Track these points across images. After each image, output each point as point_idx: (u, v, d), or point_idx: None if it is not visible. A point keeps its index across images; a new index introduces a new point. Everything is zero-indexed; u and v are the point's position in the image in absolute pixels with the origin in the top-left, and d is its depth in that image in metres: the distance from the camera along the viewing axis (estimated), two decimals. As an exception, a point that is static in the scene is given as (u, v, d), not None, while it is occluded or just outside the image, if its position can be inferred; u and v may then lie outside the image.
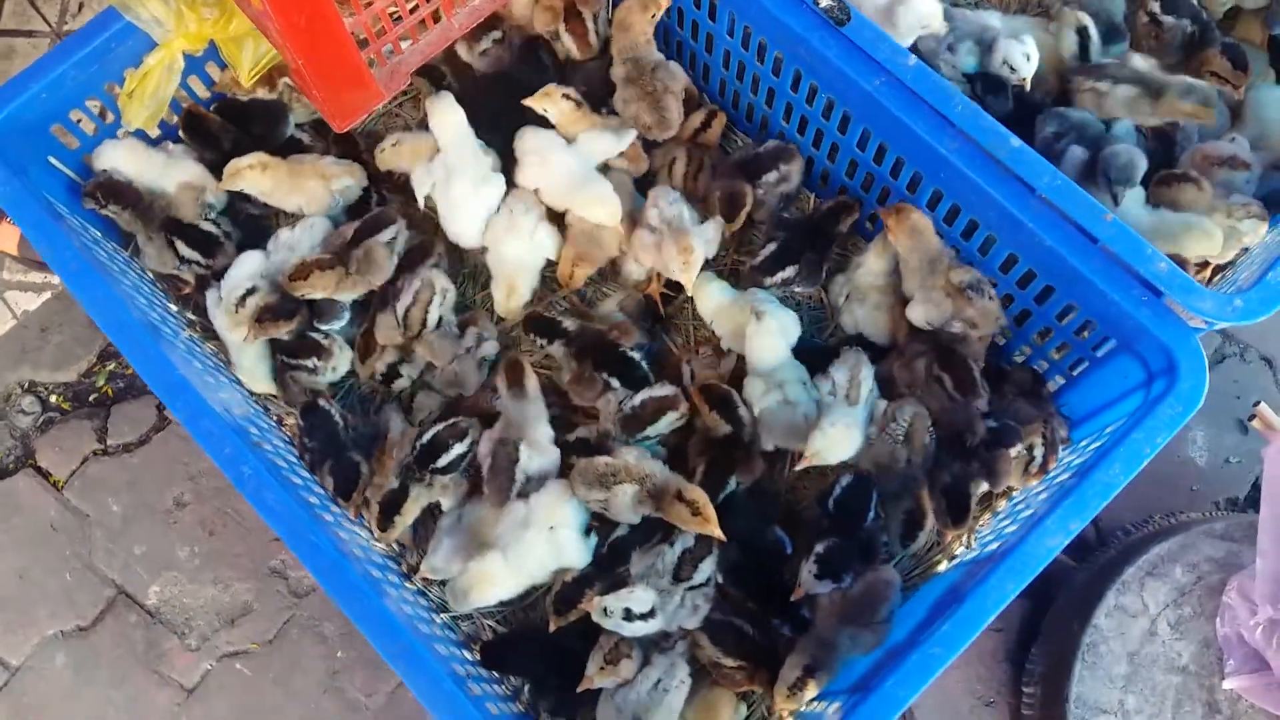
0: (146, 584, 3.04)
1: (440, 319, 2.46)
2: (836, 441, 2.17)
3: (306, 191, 2.48)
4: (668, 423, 2.30)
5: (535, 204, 2.52)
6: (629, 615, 2.03)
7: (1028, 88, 2.47)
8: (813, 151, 2.53)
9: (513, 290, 2.52)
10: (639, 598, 2.05)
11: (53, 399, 3.21)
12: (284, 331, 2.42)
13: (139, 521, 3.09)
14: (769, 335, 2.27)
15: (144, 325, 2.09)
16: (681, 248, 2.32)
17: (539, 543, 2.16)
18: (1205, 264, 2.48)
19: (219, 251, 2.51)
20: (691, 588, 2.10)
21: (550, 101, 2.46)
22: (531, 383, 2.36)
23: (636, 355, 2.36)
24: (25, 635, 3.00)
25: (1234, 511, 2.95)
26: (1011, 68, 2.46)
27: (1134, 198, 2.37)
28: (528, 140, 2.50)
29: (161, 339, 2.12)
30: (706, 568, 2.12)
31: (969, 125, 2.08)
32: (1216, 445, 3.09)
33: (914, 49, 2.49)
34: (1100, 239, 2.00)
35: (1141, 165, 2.31)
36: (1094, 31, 2.54)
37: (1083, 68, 2.51)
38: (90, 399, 3.19)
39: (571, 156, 2.47)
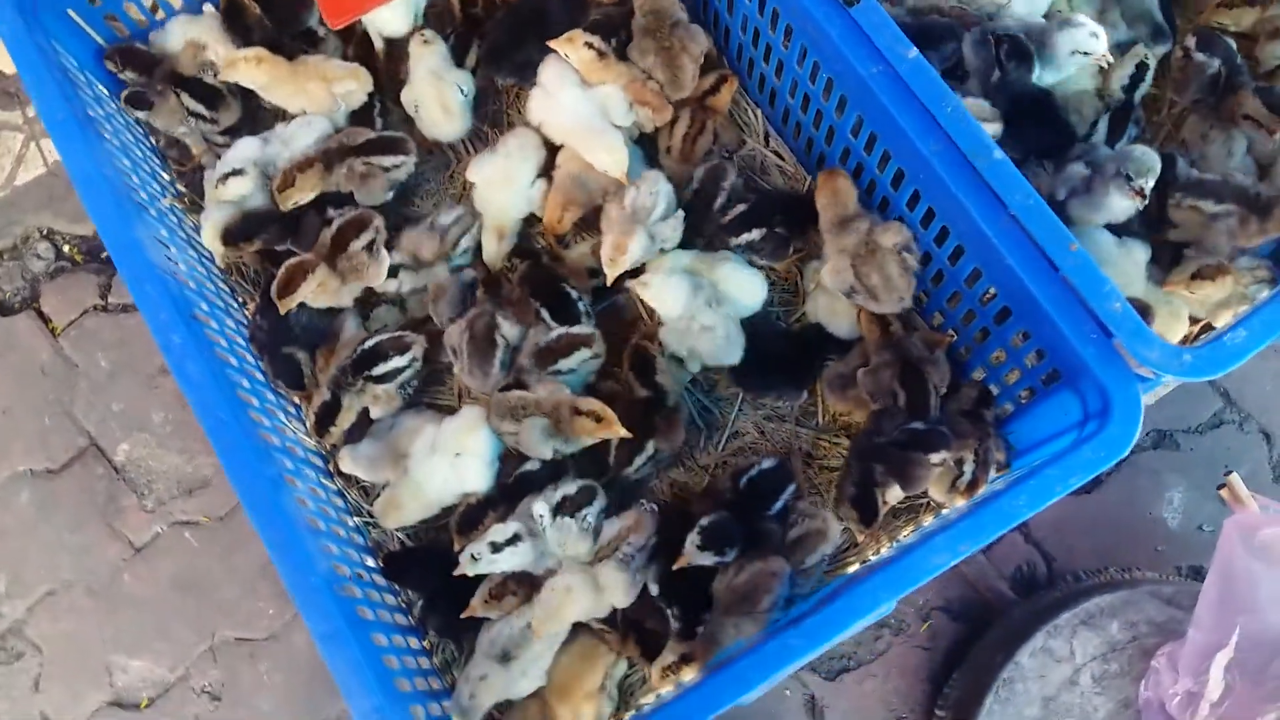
0: (118, 441, 3.16)
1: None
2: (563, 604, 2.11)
3: (308, 93, 2.49)
4: (579, 359, 2.29)
5: (535, 151, 2.51)
6: (495, 547, 2.05)
7: (1106, 64, 2.39)
8: (812, 132, 2.48)
9: (502, 236, 2.53)
10: (499, 529, 2.08)
11: (66, 249, 3.33)
12: (249, 252, 2.45)
13: (122, 380, 3.21)
14: (656, 295, 2.26)
15: (111, 181, 2.13)
16: (616, 245, 2.31)
17: (443, 467, 2.19)
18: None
19: (222, 105, 2.54)
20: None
21: (572, 47, 2.44)
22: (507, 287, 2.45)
23: (575, 294, 2.36)
24: (-3, 467, 3.14)
25: (1193, 580, 2.85)
26: (1085, 52, 2.36)
27: (1138, 262, 2.32)
28: (542, 72, 2.50)
29: (129, 199, 2.16)
30: (588, 515, 2.14)
31: (954, 129, 2.01)
32: (1192, 509, 2.98)
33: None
34: (1061, 268, 1.92)
35: (1158, 162, 2.24)
36: (1152, 62, 2.45)
37: (1183, 184, 2.35)
38: (101, 255, 3.31)
39: (582, 99, 2.46)
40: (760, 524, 2.15)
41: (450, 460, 2.19)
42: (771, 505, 2.17)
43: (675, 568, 2.07)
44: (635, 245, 2.31)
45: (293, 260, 2.34)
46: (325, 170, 2.41)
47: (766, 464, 2.22)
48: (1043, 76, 2.42)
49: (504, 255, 2.55)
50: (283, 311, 2.32)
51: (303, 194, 2.41)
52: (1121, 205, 2.26)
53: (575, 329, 2.29)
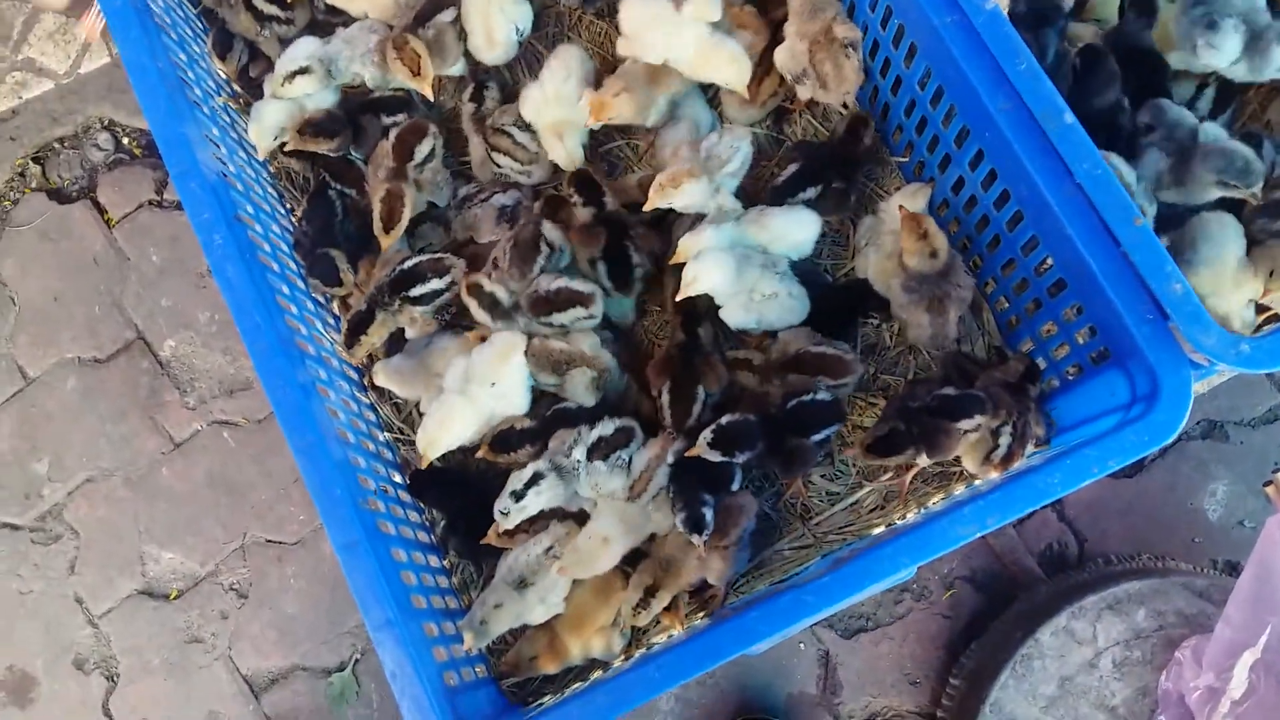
0: (164, 336, 3.21)
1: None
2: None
3: (373, -3, 2.46)
4: (572, 317, 2.24)
5: (579, 65, 2.43)
6: (518, 496, 2.05)
7: None
8: (878, 80, 2.39)
9: (559, 134, 2.43)
10: (516, 477, 2.08)
11: (125, 141, 3.35)
12: (323, 149, 2.41)
13: (172, 277, 3.24)
14: (702, 280, 2.16)
15: (165, 74, 2.12)
16: (674, 176, 2.19)
17: (484, 393, 2.17)
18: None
19: (296, 1, 2.51)
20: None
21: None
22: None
23: (636, 258, 2.30)
24: (46, 352, 3.21)
25: (1228, 575, 2.79)
26: None
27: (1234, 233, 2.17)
28: (628, 23, 2.33)
29: (182, 93, 2.16)
30: (623, 455, 2.11)
31: (1025, 88, 1.93)
32: (1235, 504, 2.91)
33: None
34: (1122, 243, 1.85)
35: (1261, 166, 2.10)
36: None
37: (1263, 207, 2.17)
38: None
39: (682, 23, 2.30)
40: (790, 441, 2.12)
41: (487, 390, 2.17)
42: (811, 435, 2.13)
43: (686, 455, 2.06)
44: (694, 188, 2.20)
45: (385, 193, 2.31)
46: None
47: (822, 395, 2.14)
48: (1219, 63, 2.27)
49: (575, 157, 2.45)
50: (385, 247, 2.34)
51: (417, 58, 2.35)
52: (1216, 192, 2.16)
53: (575, 285, 2.24)
